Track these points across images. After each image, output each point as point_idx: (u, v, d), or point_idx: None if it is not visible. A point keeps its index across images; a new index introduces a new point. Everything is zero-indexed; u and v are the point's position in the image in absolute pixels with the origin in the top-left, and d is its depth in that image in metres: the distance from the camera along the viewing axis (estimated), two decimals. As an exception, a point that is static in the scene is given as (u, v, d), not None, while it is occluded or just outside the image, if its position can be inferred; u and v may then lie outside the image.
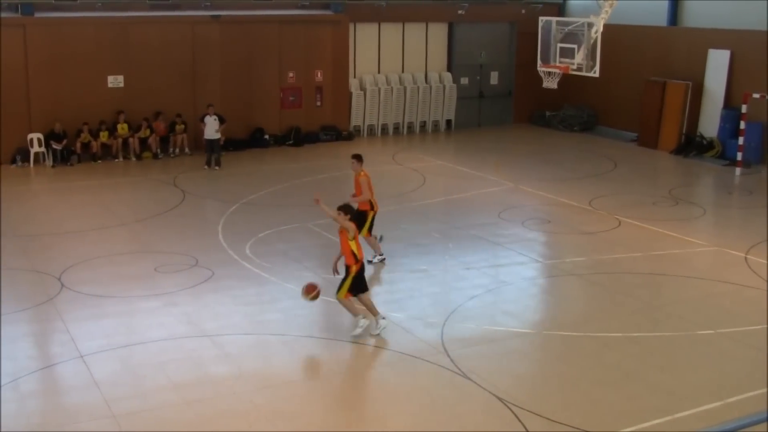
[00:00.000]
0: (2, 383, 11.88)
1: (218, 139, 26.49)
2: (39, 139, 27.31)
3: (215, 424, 10.81)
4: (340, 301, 13.53)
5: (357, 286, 13.45)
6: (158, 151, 28.19)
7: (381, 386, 12.00)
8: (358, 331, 13.40)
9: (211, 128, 26.35)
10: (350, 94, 32.19)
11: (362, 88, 32.56)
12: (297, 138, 30.72)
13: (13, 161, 27.32)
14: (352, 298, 13.50)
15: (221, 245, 18.18)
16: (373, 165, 27.25)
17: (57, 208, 21.97)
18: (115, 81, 28.45)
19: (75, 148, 27.56)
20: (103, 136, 27.83)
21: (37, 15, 27.38)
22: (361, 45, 32.71)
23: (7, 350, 13.09)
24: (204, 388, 11.81)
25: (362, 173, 16.71)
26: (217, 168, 26.33)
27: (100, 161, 27.59)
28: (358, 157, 16.79)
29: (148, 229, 19.82)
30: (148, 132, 28.26)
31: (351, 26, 32.02)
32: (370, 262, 16.49)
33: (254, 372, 12.29)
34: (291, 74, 31.03)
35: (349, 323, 13.75)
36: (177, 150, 28.58)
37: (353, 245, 13.33)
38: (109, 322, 14.15)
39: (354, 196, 16.74)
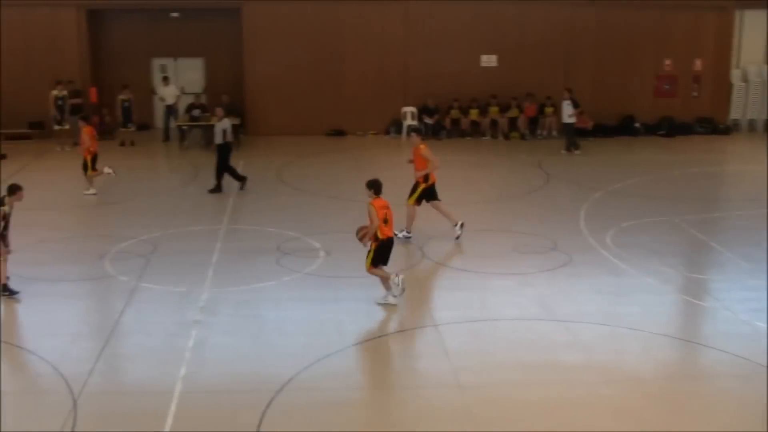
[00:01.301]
0: (362, 340, 12.45)
1: (571, 124, 26.11)
2: (412, 113, 28.44)
3: (559, 409, 10.60)
4: (369, 272, 13.79)
5: (379, 259, 13.70)
6: (526, 132, 28.32)
7: (733, 397, 11.14)
8: (391, 299, 13.73)
9: (565, 112, 26.15)
10: (731, 85, 30.38)
11: (745, 80, 30.61)
12: (669, 128, 29.54)
13: (387, 132, 28.71)
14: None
15: (581, 231, 17.86)
16: (748, 164, 25.64)
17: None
18: (488, 60, 28.96)
19: (445, 123, 28.40)
20: (473, 113, 28.44)
21: (422, -8, 28.48)
22: (747, 33, 30.70)
23: (368, 310, 13.73)
24: (551, 372, 11.62)
25: (421, 146, 17.15)
26: (577, 153, 25.96)
27: (468, 138, 28.25)
28: (417, 131, 17.78)
29: (509, 208, 19.95)
30: (517, 112, 28.48)
31: (737, 13, 30.15)
32: (395, 235, 16.21)
33: (603, 363, 11.90)
34: (668, 62, 29.90)
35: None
36: (545, 132, 28.57)
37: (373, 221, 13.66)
38: (464, 295, 14.37)
39: (411, 162, 17.48)
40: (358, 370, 11.66)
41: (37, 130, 27.60)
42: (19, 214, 18.90)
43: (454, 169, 23.95)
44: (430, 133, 28.34)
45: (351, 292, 14.49)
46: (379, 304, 13.79)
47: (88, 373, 11.38)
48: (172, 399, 10.70)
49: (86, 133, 20.95)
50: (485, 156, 25.89)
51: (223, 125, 20.95)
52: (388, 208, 13.91)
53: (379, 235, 13.71)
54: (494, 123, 28.56)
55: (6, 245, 14.20)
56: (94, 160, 20.92)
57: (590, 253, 16.49)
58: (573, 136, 26.27)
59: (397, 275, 13.91)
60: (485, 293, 14.50)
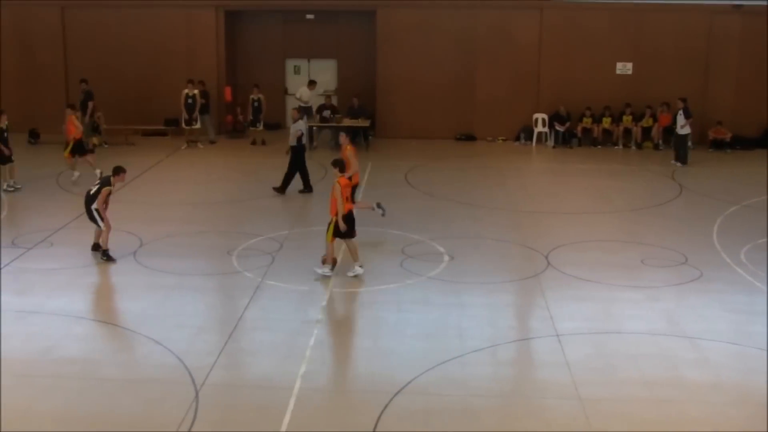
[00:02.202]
0: (483, 347, 12.34)
1: (683, 135, 25.18)
2: (543, 120, 28.11)
3: (683, 429, 10.25)
4: (328, 244, 15.06)
5: (339, 232, 14.94)
6: (660, 142, 27.60)
7: None
8: (321, 271, 15.06)
9: (678, 123, 25.29)
10: None
11: None
12: (813, 141, 28.26)
13: (517, 138, 28.44)
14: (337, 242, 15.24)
15: (714, 246, 17.25)
16: None
17: (553, 188, 22.46)
18: (623, 68, 28.34)
19: (576, 131, 27.97)
20: (606, 122, 27.90)
21: (555, -1, 28.14)
22: None
23: (490, 317, 13.62)
24: (676, 389, 11.26)
25: (348, 148, 18.06)
26: (679, 164, 24.96)
27: (599, 146, 27.74)
28: (347, 131, 19.12)
29: (639, 219, 19.47)
30: (651, 121, 27.81)
31: None
32: None
33: (733, 384, 11.46)
34: (818, 71, 28.54)
35: None
36: (678, 143, 27.75)
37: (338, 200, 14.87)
38: (588, 306, 14.08)
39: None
40: (476, 377, 11.54)
41: (172, 127, 28.43)
42: (152, 208, 19.63)
43: (583, 177, 23.61)
44: (561, 140, 27.95)
45: (473, 297, 14.40)
46: (317, 271, 15.11)
47: (210, 365, 11.63)
48: (291, 396, 10.82)
49: (71, 121, 22.29)
50: (616, 165, 25.33)
51: (298, 127, 21.07)
52: (350, 186, 15.37)
53: (340, 210, 14.87)
54: (627, 132, 27.93)
55: (107, 220, 16.01)
56: (76, 146, 22.09)
57: (723, 269, 15.91)
58: (685, 148, 25.30)
59: (361, 266, 15.11)
60: (610, 305, 14.18)
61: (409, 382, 11.22)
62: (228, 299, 14.70)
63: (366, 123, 27.50)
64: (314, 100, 28.37)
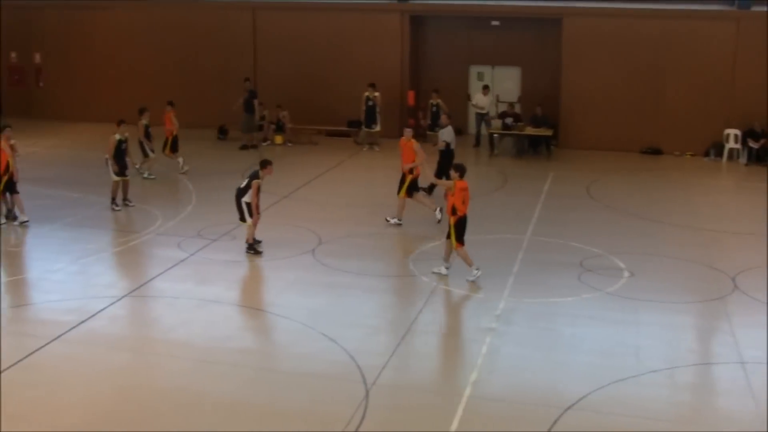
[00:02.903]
0: (660, 368, 11.89)
1: None
2: (736, 136, 26.89)
3: None
4: (458, 250, 15.08)
5: (461, 233, 14.95)
6: None
7: None
8: (473, 276, 14.99)
9: None
10: None
11: None
12: None
13: (706, 154, 27.33)
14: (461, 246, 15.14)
15: None
16: None
17: (743, 207, 21.42)
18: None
19: (773, 149, 26.63)
20: (805, 140, 26.44)
21: (754, 9, 26.77)
22: None
23: (669, 337, 13.10)
24: None
25: (411, 141, 18.55)
26: None
27: (797, 166, 26.29)
28: (410, 127, 19.70)
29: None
30: None
31: None
32: (387, 221, 18.68)
33: None
34: None
35: None
36: None
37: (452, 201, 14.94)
38: (777, 333, 13.34)
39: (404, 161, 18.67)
40: (651, 399, 11.11)
41: (355, 129, 28.83)
42: (331, 207, 19.95)
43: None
44: (755, 158, 26.65)
45: (652, 316, 13.90)
46: (469, 281, 14.92)
47: (382, 366, 11.70)
48: (461, 402, 10.75)
49: (168, 117, 23.53)
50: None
51: (443, 137, 20.82)
52: (467, 190, 15.15)
53: (458, 212, 14.92)
54: (825, 151, 26.39)
55: (258, 211, 16.51)
56: (174, 141, 23.53)
57: None
58: None
59: (447, 268, 15.35)
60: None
61: (581, 399, 10.93)
62: (402, 301, 14.75)
63: (549, 132, 27.08)
64: (490, 106, 28.22)
